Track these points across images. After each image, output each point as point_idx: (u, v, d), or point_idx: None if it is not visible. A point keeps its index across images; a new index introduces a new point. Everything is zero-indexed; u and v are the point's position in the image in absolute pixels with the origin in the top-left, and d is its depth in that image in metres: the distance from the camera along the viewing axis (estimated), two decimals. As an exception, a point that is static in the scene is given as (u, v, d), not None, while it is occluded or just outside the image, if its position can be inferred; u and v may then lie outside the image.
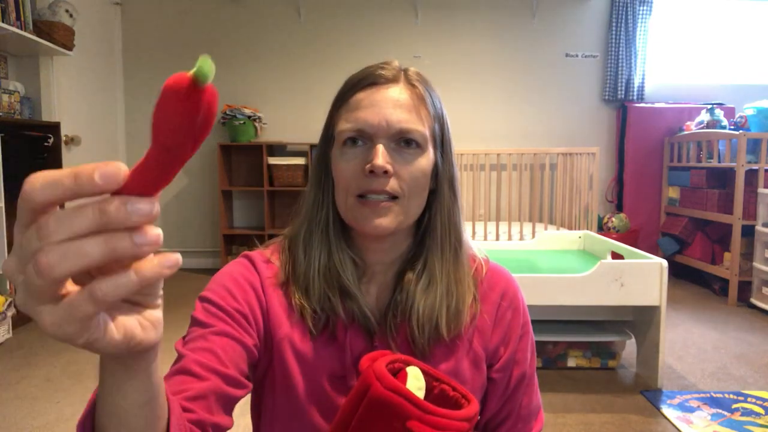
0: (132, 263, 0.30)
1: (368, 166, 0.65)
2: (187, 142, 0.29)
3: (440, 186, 0.72)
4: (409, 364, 0.60)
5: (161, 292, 0.37)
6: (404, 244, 0.74)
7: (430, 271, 0.70)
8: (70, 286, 0.30)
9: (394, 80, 0.68)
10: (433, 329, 0.68)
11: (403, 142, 0.67)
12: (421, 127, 0.67)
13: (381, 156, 0.65)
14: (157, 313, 0.36)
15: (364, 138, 0.67)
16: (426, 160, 0.68)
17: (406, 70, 0.71)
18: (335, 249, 0.70)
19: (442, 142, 0.72)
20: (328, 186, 0.71)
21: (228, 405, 0.61)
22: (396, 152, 0.67)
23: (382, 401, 0.52)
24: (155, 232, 0.30)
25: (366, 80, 0.68)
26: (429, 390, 0.59)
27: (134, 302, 0.35)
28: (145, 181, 0.29)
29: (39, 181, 0.28)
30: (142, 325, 0.35)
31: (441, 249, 0.71)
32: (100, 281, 0.29)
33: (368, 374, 0.54)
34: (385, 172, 0.65)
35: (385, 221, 0.66)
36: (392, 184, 0.66)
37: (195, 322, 0.65)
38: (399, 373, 0.58)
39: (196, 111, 0.28)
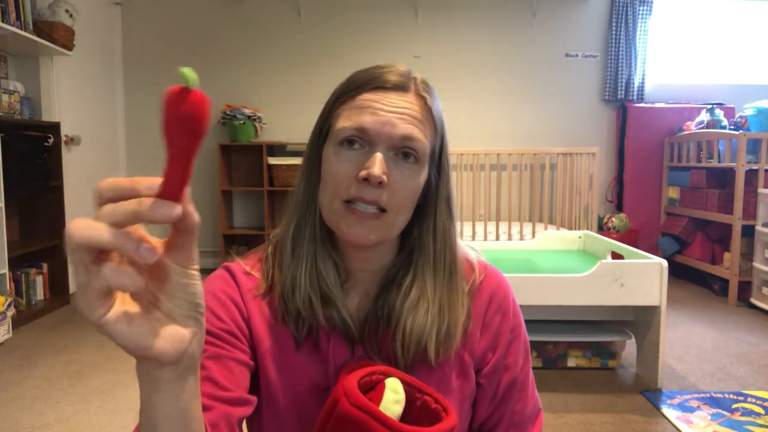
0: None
1: (364, 173, 0.61)
2: (190, 138, 0.35)
3: (435, 204, 0.69)
4: (389, 375, 0.58)
5: (193, 314, 0.40)
6: (388, 256, 0.71)
7: (420, 289, 0.68)
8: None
9: (403, 88, 0.65)
10: (420, 352, 0.66)
11: (402, 153, 0.64)
12: (424, 140, 0.64)
13: (379, 164, 0.61)
14: (179, 330, 0.40)
15: (364, 141, 0.63)
16: (422, 176, 0.66)
17: (415, 79, 0.67)
18: (320, 250, 0.68)
19: (440, 159, 0.69)
20: (318, 181, 0.68)
21: (238, 424, 0.62)
22: (393, 163, 0.63)
23: (348, 418, 0.52)
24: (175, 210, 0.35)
25: (375, 82, 0.64)
26: (411, 402, 0.58)
27: (166, 314, 0.39)
28: (171, 184, 0.35)
29: (106, 182, 0.36)
30: (160, 334, 0.39)
31: (434, 269, 0.68)
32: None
33: (337, 389, 0.54)
34: (380, 182, 0.61)
35: (370, 233, 0.64)
36: (383, 197, 0.63)
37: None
38: (377, 385, 0.57)
39: (190, 110, 0.34)
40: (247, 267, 0.72)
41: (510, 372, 0.72)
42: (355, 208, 0.63)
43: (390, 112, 0.63)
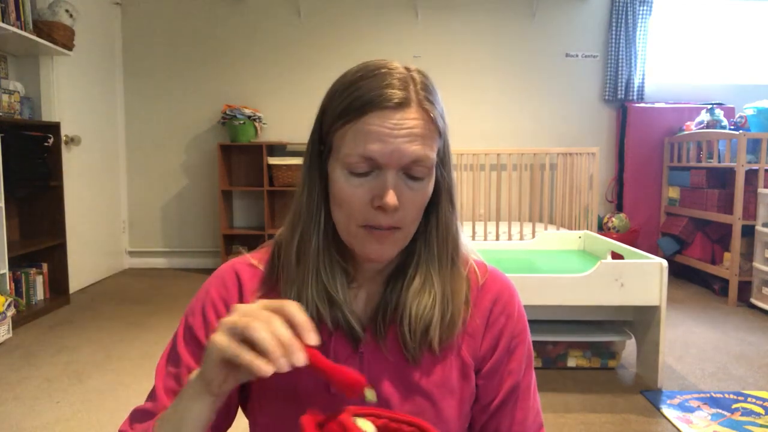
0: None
1: (378, 202, 0.62)
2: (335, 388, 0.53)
3: (439, 198, 0.69)
4: (358, 414, 0.57)
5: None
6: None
7: (424, 278, 0.69)
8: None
9: (405, 103, 0.62)
10: (427, 339, 0.67)
11: (412, 172, 0.64)
12: (431, 154, 0.64)
13: (392, 193, 0.61)
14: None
15: (373, 166, 0.63)
16: (431, 185, 0.66)
17: (415, 84, 0.64)
18: (327, 262, 0.68)
19: (443, 154, 0.69)
20: (323, 193, 0.67)
21: None
22: (404, 182, 0.63)
23: None
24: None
25: (377, 102, 0.62)
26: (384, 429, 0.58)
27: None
28: (313, 359, 0.52)
29: (297, 309, 0.52)
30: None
31: (438, 260, 0.70)
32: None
33: None
34: (396, 207, 0.62)
35: (388, 250, 0.65)
36: (398, 217, 0.64)
37: (173, 349, 0.70)
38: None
39: (353, 396, 0.51)
40: (255, 261, 0.73)
41: (512, 378, 0.72)
42: (372, 231, 0.64)
43: (396, 136, 0.61)
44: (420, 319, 0.67)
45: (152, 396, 0.67)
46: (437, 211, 0.69)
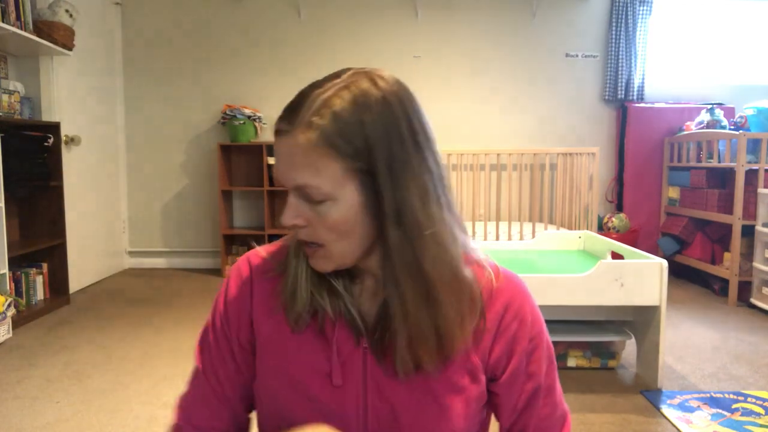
0: None
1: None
2: None
3: (384, 223, 0.62)
4: None
5: None
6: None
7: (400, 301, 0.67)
8: None
9: (289, 129, 0.61)
10: (419, 361, 0.65)
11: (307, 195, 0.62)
12: (317, 181, 0.60)
13: (287, 212, 0.64)
14: None
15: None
16: (340, 207, 0.61)
17: (329, 106, 0.60)
18: None
19: (375, 173, 0.60)
20: None
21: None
22: (305, 204, 0.63)
23: None
24: None
25: (275, 127, 0.65)
26: None
27: None
28: None
29: None
30: None
31: (403, 301, 0.62)
32: None
33: None
34: (296, 225, 0.64)
35: (321, 264, 0.66)
36: (310, 234, 0.64)
37: (206, 335, 0.77)
38: None
39: None
40: (266, 253, 0.76)
41: (534, 380, 0.72)
42: (302, 245, 0.67)
43: (280, 162, 0.63)
44: (415, 335, 0.64)
45: (201, 381, 0.75)
46: (387, 246, 0.62)
